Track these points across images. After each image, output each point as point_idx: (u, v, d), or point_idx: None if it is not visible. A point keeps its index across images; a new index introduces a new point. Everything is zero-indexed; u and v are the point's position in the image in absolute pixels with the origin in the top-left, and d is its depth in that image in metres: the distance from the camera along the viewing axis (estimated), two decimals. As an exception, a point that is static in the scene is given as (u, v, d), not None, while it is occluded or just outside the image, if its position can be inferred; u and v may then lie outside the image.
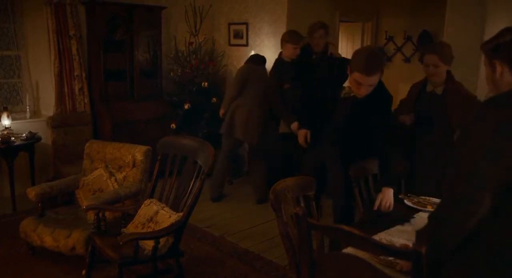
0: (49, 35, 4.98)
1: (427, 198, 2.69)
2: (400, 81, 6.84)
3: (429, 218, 1.50)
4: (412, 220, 2.43)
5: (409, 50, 6.75)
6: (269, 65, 4.82)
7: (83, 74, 5.15)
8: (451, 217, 1.39)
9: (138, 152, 3.56)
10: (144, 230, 2.91)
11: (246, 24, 5.81)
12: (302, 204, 2.38)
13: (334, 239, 2.46)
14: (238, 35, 5.96)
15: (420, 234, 1.51)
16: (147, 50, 5.68)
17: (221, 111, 4.78)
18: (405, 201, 2.65)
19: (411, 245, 1.51)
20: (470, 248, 1.39)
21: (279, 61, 4.52)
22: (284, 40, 4.41)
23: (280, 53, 4.56)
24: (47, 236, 3.30)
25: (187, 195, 2.98)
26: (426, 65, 3.17)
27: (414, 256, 1.44)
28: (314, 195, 2.49)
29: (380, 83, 2.85)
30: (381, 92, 2.88)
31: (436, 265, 1.45)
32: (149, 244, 2.75)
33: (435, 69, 3.12)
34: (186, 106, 5.47)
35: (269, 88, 4.48)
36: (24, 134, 4.64)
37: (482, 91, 4.30)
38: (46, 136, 4.90)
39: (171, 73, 5.84)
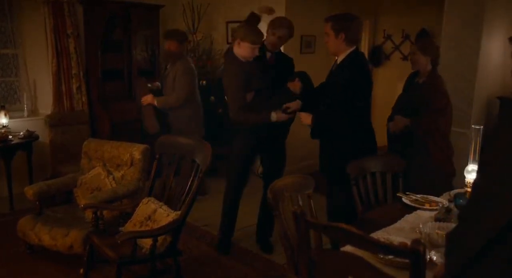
0: (47, 33, 4.97)
1: (425, 196, 2.69)
2: (398, 79, 6.85)
3: (458, 217, 1.44)
4: (409, 218, 2.44)
5: (407, 49, 6.75)
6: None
7: (81, 73, 5.14)
8: (480, 216, 1.32)
9: (136, 151, 3.55)
10: (142, 229, 2.91)
11: (244, 22, 5.80)
12: (301, 203, 2.38)
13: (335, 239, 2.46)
14: (236, 33, 5.95)
15: (449, 235, 1.44)
16: (145, 49, 5.67)
17: None
18: (403, 199, 2.65)
19: (409, 243, 1.51)
20: (490, 256, 1.34)
21: (237, 65, 3.44)
22: (240, 38, 3.37)
23: (230, 50, 3.53)
24: (45, 235, 3.29)
25: (185, 193, 2.98)
26: (410, 53, 3.70)
27: (413, 255, 1.44)
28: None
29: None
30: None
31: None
32: (147, 243, 2.75)
33: (413, 57, 3.54)
34: (184, 105, 5.46)
35: (237, 108, 3.42)
36: (21, 133, 4.63)
37: (480, 90, 4.31)
38: (44, 135, 4.89)
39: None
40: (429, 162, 3.40)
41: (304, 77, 3.51)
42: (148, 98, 4.52)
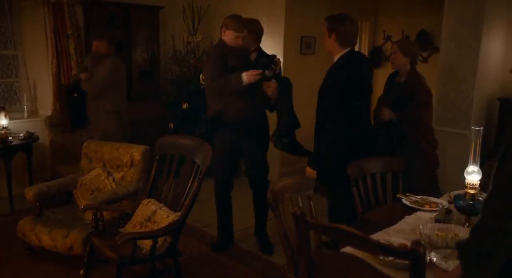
0: (47, 34, 4.98)
1: (425, 197, 2.69)
2: (398, 80, 6.85)
3: (473, 230, 1.35)
4: (409, 219, 2.44)
5: (407, 50, 6.75)
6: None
7: (81, 74, 5.14)
8: (502, 228, 1.24)
9: (136, 152, 3.56)
10: (142, 230, 2.91)
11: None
12: (300, 204, 2.38)
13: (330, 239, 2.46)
14: (236, 34, 5.95)
15: (464, 247, 1.36)
16: (145, 50, 5.68)
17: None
18: (403, 200, 2.65)
19: (409, 244, 1.51)
20: None
21: (221, 46, 3.63)
22: (225, 26, 3.61)
23: (221, 39, 3.71)
24: (44, 236, 3.29)
25: (185, 194, 2.98)
26: (391, 53, 3.77)
27: (413, 256, 1.44)
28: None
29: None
30: None
31: None
32: (147, 244, 2.75)
33: (394, 56, 3.66)
34: (184, 106, 5.46)
35: (211, 79, 3.52)
36: (21, 134, 4.63)
37: (480, 91, 4.31)
38: (44, 136, 4.90)
39: (169, 73, 5.84)
40: (417, 155, 3.48)
41: (284, 83, 3.49)
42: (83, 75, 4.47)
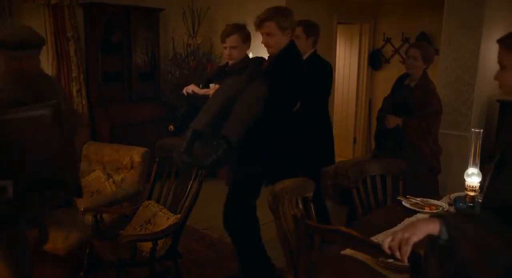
0: (47, 36, 4.97)
1: (425, 199, 2.69)
2: (398, 82, 6.84)
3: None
4: (409, 222, 2.43)
5: (407, 52, 6.75)
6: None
7: (81, 76, 5.14)
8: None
9: (136, 154, 3.56)
10: (142, 232, 2.91)
11: (244, 25, 5.81)
12: (301, 206, 2.38)
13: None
14: (236, 37, 5.96)
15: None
16: (145, 52, 5.69)
17: None
18: (403, 203, 2.65)
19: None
20: None
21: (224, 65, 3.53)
22: None
23: None
24: (44, 238, 3.29)
25: (185, 196, 2.98)
26: (408, 57, 3.55)
27: (413, 258, 1.44)
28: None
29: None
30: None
31: None
32: (147, 246, 2.75)
33: (414, 63, 3.49)
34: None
35: None
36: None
37: (479, 92, 4.31)
38: (44, 138, 4.89)
39: (169, 75, 5.84)
40: (418, 161, 3.44)
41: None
42: None
